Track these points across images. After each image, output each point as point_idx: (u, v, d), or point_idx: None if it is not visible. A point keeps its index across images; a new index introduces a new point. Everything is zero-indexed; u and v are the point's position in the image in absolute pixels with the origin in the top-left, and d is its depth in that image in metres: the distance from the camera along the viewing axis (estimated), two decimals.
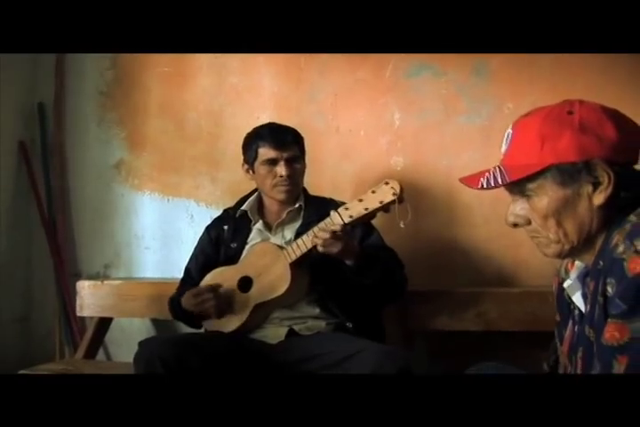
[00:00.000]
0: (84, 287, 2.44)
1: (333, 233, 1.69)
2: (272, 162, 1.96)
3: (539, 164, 1.01)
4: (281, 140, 1.97)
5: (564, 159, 0.99)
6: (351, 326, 1.86)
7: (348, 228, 1.74)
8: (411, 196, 1.86)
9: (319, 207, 1.95)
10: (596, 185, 0.99)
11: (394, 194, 1.66)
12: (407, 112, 2.50)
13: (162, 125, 2.69)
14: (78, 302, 2.44)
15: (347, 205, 1.73)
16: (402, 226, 1.94)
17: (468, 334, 2.16)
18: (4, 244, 2.68)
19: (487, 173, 1.06)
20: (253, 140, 2.02)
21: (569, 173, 0.99)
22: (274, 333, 1.88)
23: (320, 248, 1.72)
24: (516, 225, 1.08)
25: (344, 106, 2.55)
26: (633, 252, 0.89)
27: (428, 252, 2.39)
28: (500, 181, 1.04)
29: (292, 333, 1.87)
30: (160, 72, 2.69)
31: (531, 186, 1.03)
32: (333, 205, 1.89)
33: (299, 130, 2.54)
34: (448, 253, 2.41)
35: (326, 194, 2.21)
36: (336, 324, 1.89)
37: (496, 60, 2.40)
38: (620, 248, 0.92)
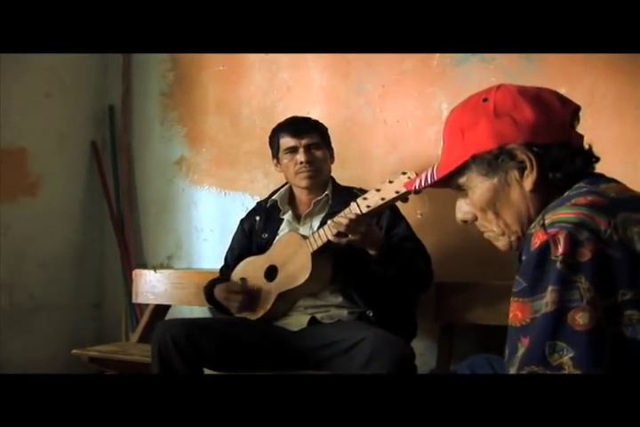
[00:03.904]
0: (139, 276, 2.61)
1: (349, 222, 1.70)
2: (292, 150, 2.01)
3: (461, 156, 0.98)
4: (298, 129, 2.01)
5: (482, 148, 0.96)
6: (372, 314, 1.86)
7: (368, 218, 1.74)
8: None
9: (346, 197, 1.95)
10: (522, 170, 0.95)
11: None
12: (455, 101, 2.32)
13: (218, 122, 2.80)
14: (134, 290, 2.62)
15: (365, 195, 1.74)
16: (419, 216, 1.92)
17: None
18: (78, 237, 2.92)
19: (423, 174, 1.05)
20: (275, 133, 2.08)
21: (488, 162, 0.96)
22: (296, 320, 1.92)
23: (334, 238, 1.73)
24: (465, 222, 1.05)
25: (391, 97, 2.53)
26: (540, 225, 0.84)
27: (463, 244, 2.32)
28: (429, 180, 1.03)
29: (313, 321, 1.90)
30: (216, 71, 2.80)
31: (461, 180, 1.00)
32: (359, 194, 1.89)
33: (347, 123, 2.57)
34: (482, 246, 2.33)
35: (375, 185, 2.20)
36: (358, 313, 1.90)
37: None
38: (534, 223, 0.88)
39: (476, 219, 1.03)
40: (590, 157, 0.99)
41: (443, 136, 1.05)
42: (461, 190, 1.02)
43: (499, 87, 1.00)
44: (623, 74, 2.17)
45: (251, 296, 1.94)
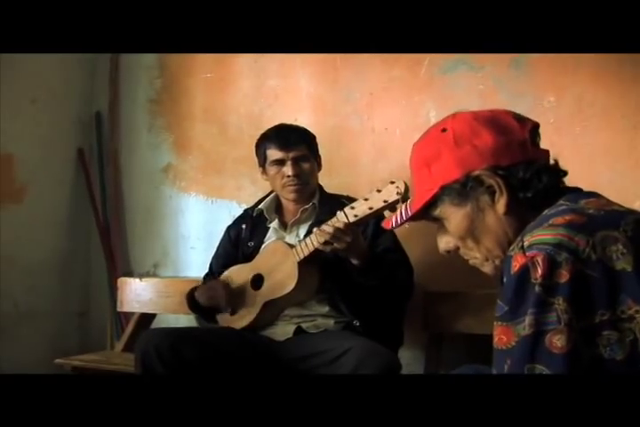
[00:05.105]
0: (124, 284, 2.58)
1: (335, 231, 1.69)
2: (279, 162, 1.99)
3: (431, 189, 0.99)
4: (286, 141, 1.99)
5: (450, 178, 0.97)
6: (358, 324, 1.85)
7: (354, 227, 1.73)
8: None
9: (333, 205, 1.94)
10: (492, 194, 0.95)
11: (398, 193, 1.64)
12: (443, 109, 2.43)
13: (206, 129, 2.79)
14: (119, 298, 2.59)
15: (353, 204, 1.74)
16: (406, 226, 1.91)
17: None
18: (64, 244, 2.89)
19: (398, 211, 1.06)
20: (262, 142, 2.06)
21: (458, 191, 0.97)
22: (282, 330, 1.90)
23: (321, 246, 1.72)
24: (449, 252, 1.05)
25: (379, 105, 2.53)
26: (519, 248, 0.84)
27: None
28: (404, 216, 1.03)
29: (299, 330, 1.88)
30: (204, 78, 2.79)
31: (436, 212, 1.01)
32: (347, 202, 1.88)
33: (335, 130, 2.56)
34: None
35: (363, 194, 2.19)
36: (345, 322, 1.89)
37: None
38: (513, 245, 0.87)
39: (458, 248, 1.03)
40: (557, 172, 0.99)
41: (410, 171, 1.06)
42: (438, 222, 1.03)
43: (454, 116, 1.01)
44: (611, 82, 2.18)
45: (234, 294, 1.92)
